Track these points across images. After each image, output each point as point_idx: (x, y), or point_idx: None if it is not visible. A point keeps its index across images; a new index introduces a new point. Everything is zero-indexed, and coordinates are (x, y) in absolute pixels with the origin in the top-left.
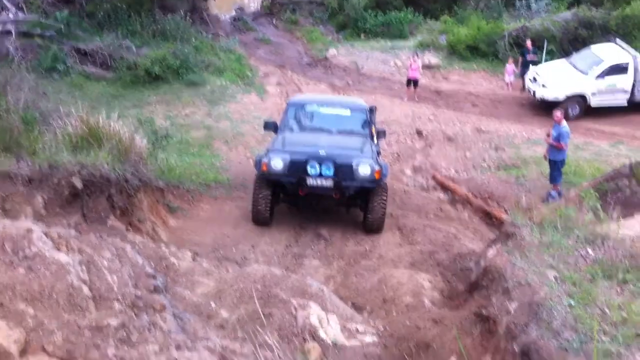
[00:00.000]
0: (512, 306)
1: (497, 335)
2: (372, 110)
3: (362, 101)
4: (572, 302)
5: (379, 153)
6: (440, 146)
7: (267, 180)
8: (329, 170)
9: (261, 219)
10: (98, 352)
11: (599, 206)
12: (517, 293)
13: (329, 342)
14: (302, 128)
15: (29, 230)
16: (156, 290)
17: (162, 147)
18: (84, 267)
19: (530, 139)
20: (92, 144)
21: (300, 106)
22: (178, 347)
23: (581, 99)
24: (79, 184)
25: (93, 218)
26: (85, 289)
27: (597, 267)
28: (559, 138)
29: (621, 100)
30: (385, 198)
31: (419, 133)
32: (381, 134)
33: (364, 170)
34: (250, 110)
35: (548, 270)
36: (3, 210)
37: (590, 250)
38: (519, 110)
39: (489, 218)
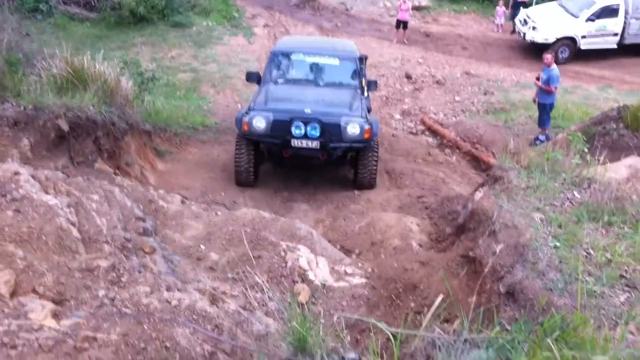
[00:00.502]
0: (498, 248)
1: (483, 277)
2: (362, 60)
3: (352, 46)
4: (558, 244)
5: (369, 109)
6: (429, 90)
7: (249, 140)
8: (314, 131)
9: (244, 181)
10: (89, 293)
11: (586, 149)
12: (504, 235)
13: (318, 283)
14: (287, 80)
15: (16, 173)
16: (145, 232)
17: (148, 89)
18: (72, 210)
19: (519, 82)
20: (77, 86)
21: (285, 55)
22: (168, 289)
23: (571, 41)
24: (65, 126)
25: (80, 161)
26: (75, 231)
27: (583, 210)
28: (548, 81)
29: (611, 43)
30: (376, 156)
31: (408, 76)
32: (372, 85)
33: (352, 130)
34: (237, 53)
35: (534, 212)
36: None
37: (576, 193)
38: (509, 53)
39: (477, 162)
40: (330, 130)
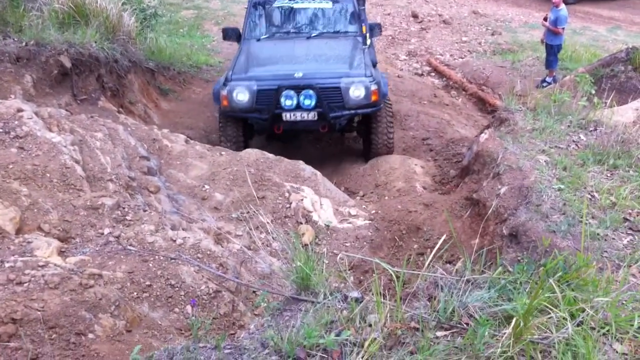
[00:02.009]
0: (502, 190)
1: (486, 219)
2: None
3: None
4: (562, 187)
5: (374, 63)
6: (436, 30)
7: (231, 117)
8: (309, 100)
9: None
10: (94, 231)
11: (593, 92)
12: (508, 177)
13: (322, 224)
14: (271, 34)
15: (19, 110)
16: (150, 172)
17: (150, 26)
18: (76, 147)
19: (527, 22)
20: (78, 22)
21: (267, 3)
22: (173, 228)
23: None
24: (67, 63)
25: (83, 99)
26: (79, 169)
27: (588, 153)
28: (556, 22)
29: None
30: (390, 120)
31: (415, 16)
32: (375, 29)
33: (356, 93)
34: None
35: (539, 155)
36: None
37: (582, 136)
38: None
39: (482, 104)
40: (329, 97)
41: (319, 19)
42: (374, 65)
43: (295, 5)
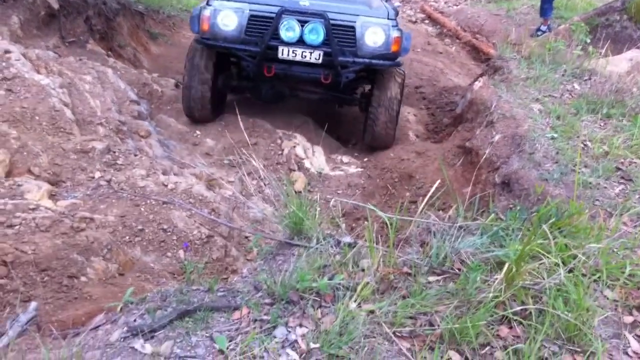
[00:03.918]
0: (496, 138)
1: (479, 167)
2: None
3: None
4: (555, 135)
5: (396, 12)
6: None
7: (209, 50)
8: (315, 34)
9: (197, 114)
10: (84, 175)
11: (588, 41)
12: (501, 125)
13: (314, 172)
14: None
15: (7, 52)
16: (140, 116)
17: None
18: (65, 90)
19: None
20: None
21: None
22: (165, 172)
23: None
24: (55, 3)
25: (72, 41)
26: (68, 112)
27: (582, 102)
28: None
29: None
30: (398, 98)
31: None
32: None
33: (373, 37)
34: None
35: (533, 103)
36: None
37: (576, 85)
38: None
39: (476, 52)
40: (340, 35)
41: None
42: (396, 13)
43: None
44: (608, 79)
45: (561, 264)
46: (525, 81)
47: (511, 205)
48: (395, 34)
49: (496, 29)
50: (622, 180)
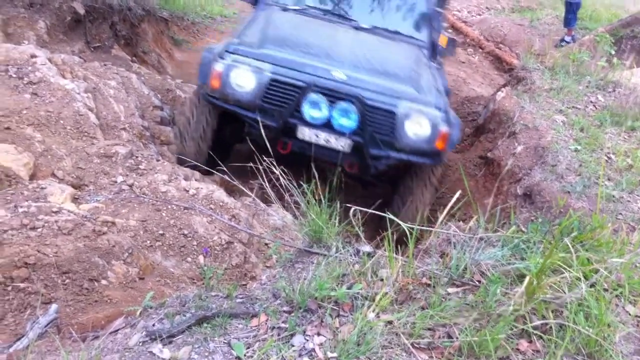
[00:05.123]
0: (518, 149)
1: (501, 178)
2: None
3: None
4: (579, 147)
5: (447, 92)
6: None
7: (214, 107)
8: (347, 118)
9: (187, 155)
10: (107, 178)
11: (612, 52)
12: (524, 136)
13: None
14: (304, 7)
15: (33, 56)
16: (163, 121)
17: None
18: (89, 95)
19: None
20: None
21: None
22: (186, 178)
23: None
24: (81, 9)
25: (97, 46)
26: (92, 117)
27: (606, 114)
28: None
29: None
30: (439, 182)
31: None
32: (450, 46)
33: (417, 128)
34: None
35: (556, 114)
36: (5, 35)
37: (600, 97)
38: None
39: (499, 62)
40: (376, 121)
41: (375, 6)
42: (447, 94)
43: None
44: (633, 91)
45: (583, 278)
46: (548, 92)
47: (533, 217)
48: (443, 128)
49: (519, 39)
50: None
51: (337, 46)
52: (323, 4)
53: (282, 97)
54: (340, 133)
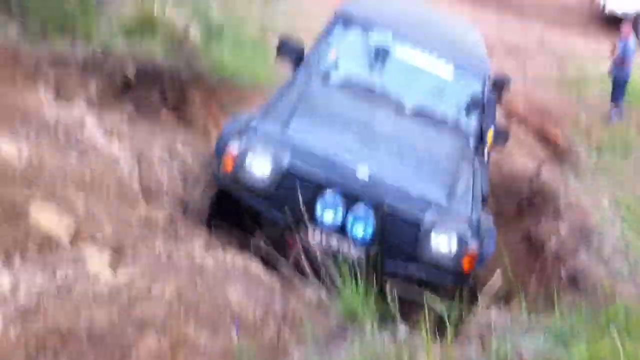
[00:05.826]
0: (562, 228)
1: (544, 258)
2: (499, 84)
3: (480, 46)
4: (625, 228)
5: (485, 198)
6: (499, 56)
7: (223, 190)
8: (362, 227)
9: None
10: (145, 245)
11: None
12: (568, 216)
13: None
14: (349, 81)
15: (82, 117)
16: None
17: (216, 40)
18: (135, 159)
19: (595, 54)
20: (145, 32)
21: (362, 28)
22: (224, 248)
23: None
24: (132, 73)
25: (145, 111)
26: (136, 182)
27: None
28: (623, 53)
29: None
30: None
31: None
32: (500, 138)
33: (442, 245)
34: (310, 6)
35: (602, 193)
36: (57, 95)
37: None
38: (587, 23)
39: (544, 137)
40: (397, 232)
41: (425, 87)
42: (484, 200)
43: (400, 53)
44: None
45: None
46: (594, 170)
47: (577, 302)
48: (472, 245)
49: (565, 113)
50: None
51: (371, 134)
52: (367, 81)
53: (295, 192)
54: (354, 240)
